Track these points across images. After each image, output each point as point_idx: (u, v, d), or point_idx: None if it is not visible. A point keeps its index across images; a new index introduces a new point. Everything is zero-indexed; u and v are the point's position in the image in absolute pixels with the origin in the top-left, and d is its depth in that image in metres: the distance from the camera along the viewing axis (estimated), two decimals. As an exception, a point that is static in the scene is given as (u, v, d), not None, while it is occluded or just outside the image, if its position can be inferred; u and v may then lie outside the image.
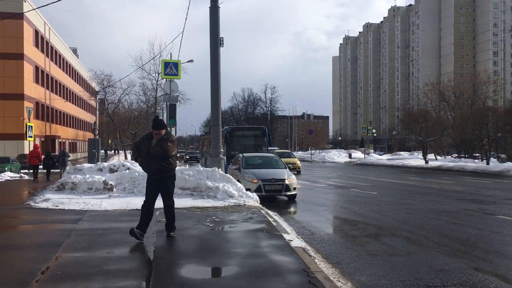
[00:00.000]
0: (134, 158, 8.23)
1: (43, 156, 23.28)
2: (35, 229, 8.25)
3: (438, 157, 42.06)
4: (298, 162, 30.30)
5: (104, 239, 7.07)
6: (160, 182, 7.09)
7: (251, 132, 26.53)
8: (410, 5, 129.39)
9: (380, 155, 58.59)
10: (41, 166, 22.54)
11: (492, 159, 35.86)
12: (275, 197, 13.68)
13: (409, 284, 5.26)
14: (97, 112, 70.31)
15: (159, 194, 7.23)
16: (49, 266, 5.45)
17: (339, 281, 5.19)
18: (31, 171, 22.24)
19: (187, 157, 51.50)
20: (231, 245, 6.78)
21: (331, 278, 5.22)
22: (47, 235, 7.67)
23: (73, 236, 7.27)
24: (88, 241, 6.92)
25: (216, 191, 11.89)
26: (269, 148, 26.13)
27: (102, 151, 73.44)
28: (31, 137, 25.71)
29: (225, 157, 14.00)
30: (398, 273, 5.74)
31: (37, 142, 39.82)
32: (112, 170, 14.17)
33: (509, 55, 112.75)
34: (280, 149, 43.98)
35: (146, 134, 7.65)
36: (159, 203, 10.86)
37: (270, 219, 8.99)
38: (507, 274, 5.77)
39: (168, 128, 25.19)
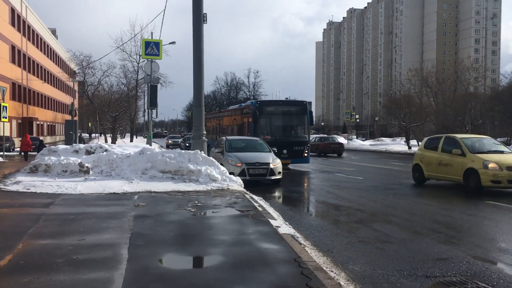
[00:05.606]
0: None
1: (33, 146, 25.71)
2: (0, 214, 7.61)
3: (420, 143, 42.00)
4: None
5: (75, 224, 6.50)
6: None
7: (287, 108, 20.69)
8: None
9: (362, 141, 58.58)
10: (34, 153, 23.98)
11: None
12: (259, 181, 13.22)
13: (407, 274, 4.87)
14: (77, 94, 68.72)
15: None
16: (10, 255, 4.89)
17: (332, 271, 4.75)
18: (22, 153, 25.06)
19: (187, 144, 35.34)
20: (215, 231, 6.29)
21: (324, 268, 4.79)
22: (13, 221, 7.08)
23: (42, 221, 6.69)
24: (58, 227, 6.36)
25: (198, 174, 11.37)
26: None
27: (87, 134, 71.94)
28: (6, 117, 24.64)
29: (206, 140, 13.21)
30: (394, 262, 5.36)
31: (13, 123, 38.63)
32: (88, 152, 13.48)
33: (490, 42, 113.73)
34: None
35: None
36: (135, 186, 10.34)
37: (256, 204, 8.54)
38: (509, 263, 5.43)
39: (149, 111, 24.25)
